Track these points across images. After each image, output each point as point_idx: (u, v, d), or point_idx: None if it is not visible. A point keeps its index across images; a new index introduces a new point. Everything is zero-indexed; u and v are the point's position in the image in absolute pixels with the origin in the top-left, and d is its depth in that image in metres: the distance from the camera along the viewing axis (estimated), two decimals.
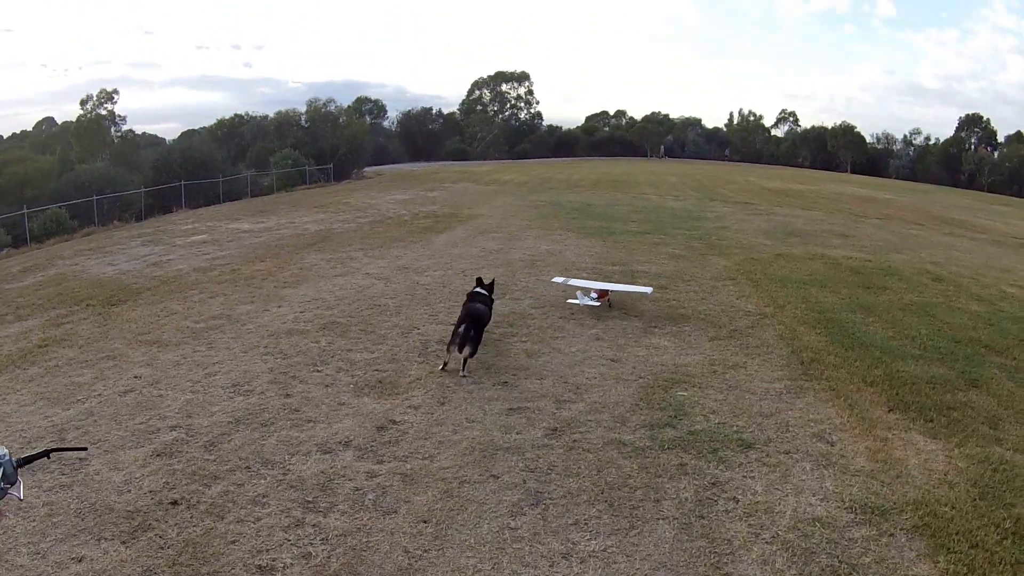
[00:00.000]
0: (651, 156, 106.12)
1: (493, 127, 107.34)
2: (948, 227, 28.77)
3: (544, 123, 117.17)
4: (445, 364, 8.24)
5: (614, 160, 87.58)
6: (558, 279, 12.11)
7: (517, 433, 6.51)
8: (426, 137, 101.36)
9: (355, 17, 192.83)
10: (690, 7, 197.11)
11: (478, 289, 9.12)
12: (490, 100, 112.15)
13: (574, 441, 6.34)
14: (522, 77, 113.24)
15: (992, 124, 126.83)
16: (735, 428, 6.67)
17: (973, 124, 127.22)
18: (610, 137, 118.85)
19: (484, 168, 60.37)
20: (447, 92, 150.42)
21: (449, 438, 6.40)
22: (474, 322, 8.21)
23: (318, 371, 8.18)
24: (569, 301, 10.95)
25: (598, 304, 10.74)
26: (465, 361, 8.04)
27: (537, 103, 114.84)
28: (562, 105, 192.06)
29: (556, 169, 58.65)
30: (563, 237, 19.09)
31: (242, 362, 8.51)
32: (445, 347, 8.30)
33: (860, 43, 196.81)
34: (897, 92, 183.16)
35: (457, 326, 8.17)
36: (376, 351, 8.93)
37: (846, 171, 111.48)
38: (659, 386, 7.79)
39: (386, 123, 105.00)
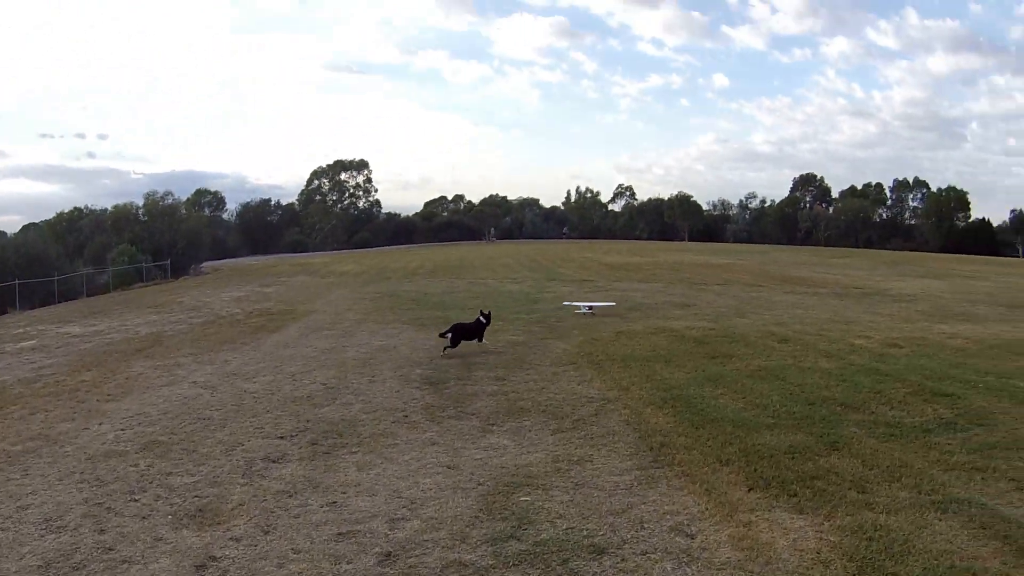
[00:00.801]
0: (484, 240, 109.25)
1: (331, 217, 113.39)
2: (789, 285, 30.88)
3: (383, 211, 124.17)
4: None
5: (453, 246, 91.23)
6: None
7: (347, 563, 5.96)
8: (265, 229, 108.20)
9: (197, 106, 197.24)
10: (527, 89, 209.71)
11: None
12: (329, 189, 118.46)
13: (410, 567, 5.85)
14: (361, 165, 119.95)
15: (826, 181, 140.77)
16: (585, 533, 6.40)
17: (807, 183, 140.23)
18: (449, 222, 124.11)
19: (323, 259, 63.55)
20: (287, 180, 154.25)
21: (273, 574, 5.80)
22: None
23: (135, 500, 7.58)
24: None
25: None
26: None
27: (375, 191, 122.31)
28: (401, 192, 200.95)
29: (394, 257, 61.55)
30: (398, 331, 18.92)
31: (57, 491, 7.90)
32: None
33: (695, 116, 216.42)
34: (732, 159, 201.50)
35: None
36: (197, 473, 8.38)
37: (684, 239, 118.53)
38: (500, 492, 7.45)
39: (225, 215, 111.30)
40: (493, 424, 9.97)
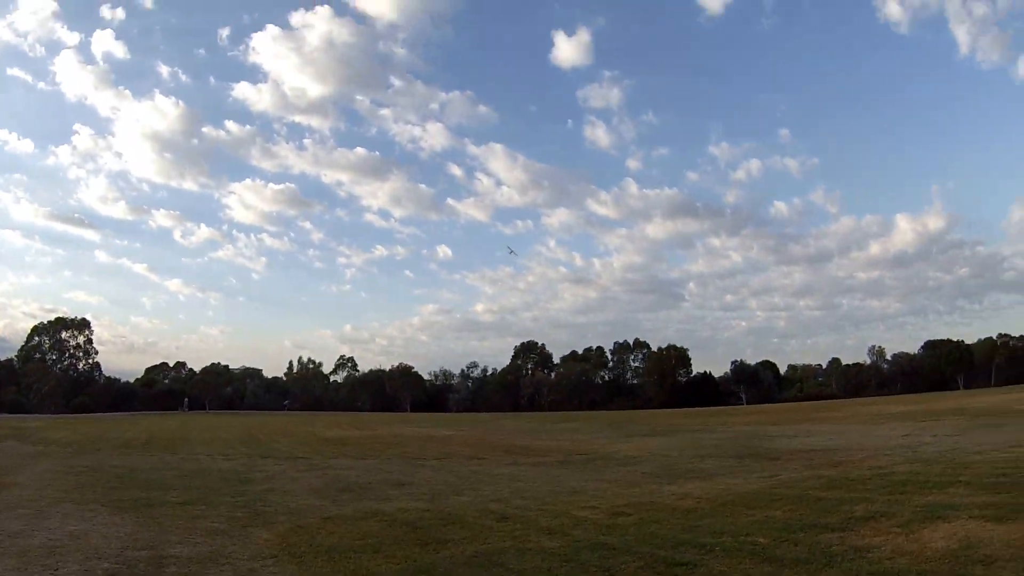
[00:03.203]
0: (180, 410, 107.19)
1: (50, 377, 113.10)
2: (511, 455, 30.79)
3: (105, 373, 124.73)
4: None
5: (171, 415, 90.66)
6: None
7: None
8: None
9: None
10: (255, 256, 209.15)
11: None
12: (49, 348, 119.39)
13: None
14: (82, 325, 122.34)
15: (547, 348, 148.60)
16: None
17: (529, 351, 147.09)
18: (169, 390, 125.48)
19: (38, 423, 62.73)
20: (6, 332, 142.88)
21: None
22: None
23: None
24: None
25: None
26: None
27: (96, 352, 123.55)
28: (125, 355, 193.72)
29: (111, 426, 60.36)
30: (95, 513, 16.74)
31: None
32: None
33: (419, 286, 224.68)
34: (455, 329, 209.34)
35: None
36: None
37: (407, 411, 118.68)
38: None
39: None
40: None
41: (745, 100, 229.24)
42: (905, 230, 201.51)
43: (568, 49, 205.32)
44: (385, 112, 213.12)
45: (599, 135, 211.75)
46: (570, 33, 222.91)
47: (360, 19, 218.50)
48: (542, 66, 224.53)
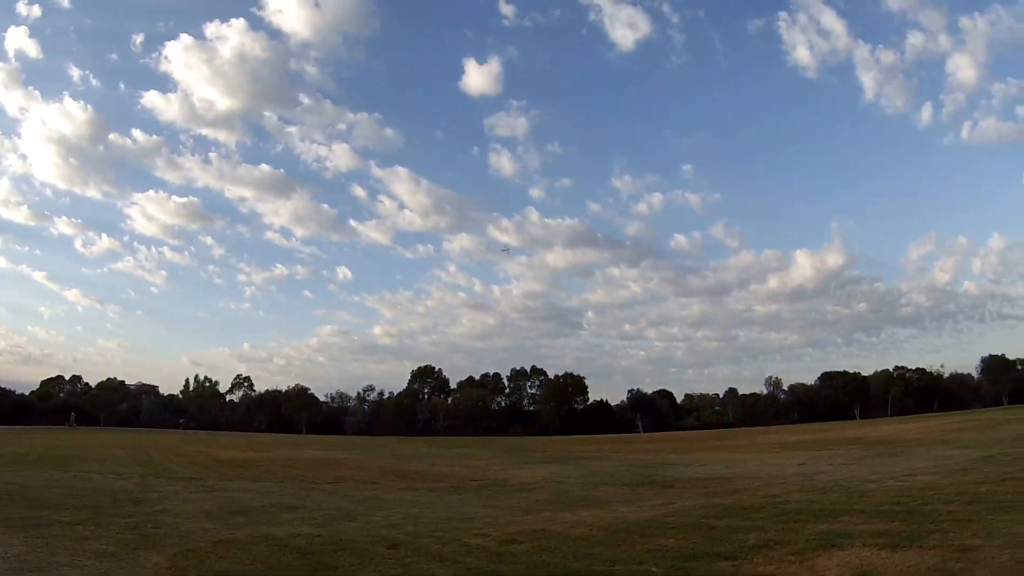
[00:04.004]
0: (66, 425, 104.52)
1: None
2: (405, 480, 30.42)
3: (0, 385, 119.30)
4: None
5: (68, 430, 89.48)
6: None
7: None
8: None
9: None
10: (155, 269, 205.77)
11: None
12: None
13: None
14: None
15: (444, 373, 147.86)
16: None
17: (426, 375, 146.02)
18: (65, 404, 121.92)
19: None
20: None
21: None
22: None
23: None
24: None
25: None
26: None
27: None
28: (22, 366, 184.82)
29: (2, 440, 58.06)
30: None
31: None
32: None
33: (318, 307, 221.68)
34: (353, 351, 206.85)
35: None
36: None
37: (302, 432, 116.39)
38: None
39: None
40: None
41: (651, 135, 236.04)
42: (804, 265, 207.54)
43: (478, 77, 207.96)
44: (292, 130, 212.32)
45: (504, 163, 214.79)
46: (481, 61, 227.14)
47: (274, 35, 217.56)
48: (451, 92, 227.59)
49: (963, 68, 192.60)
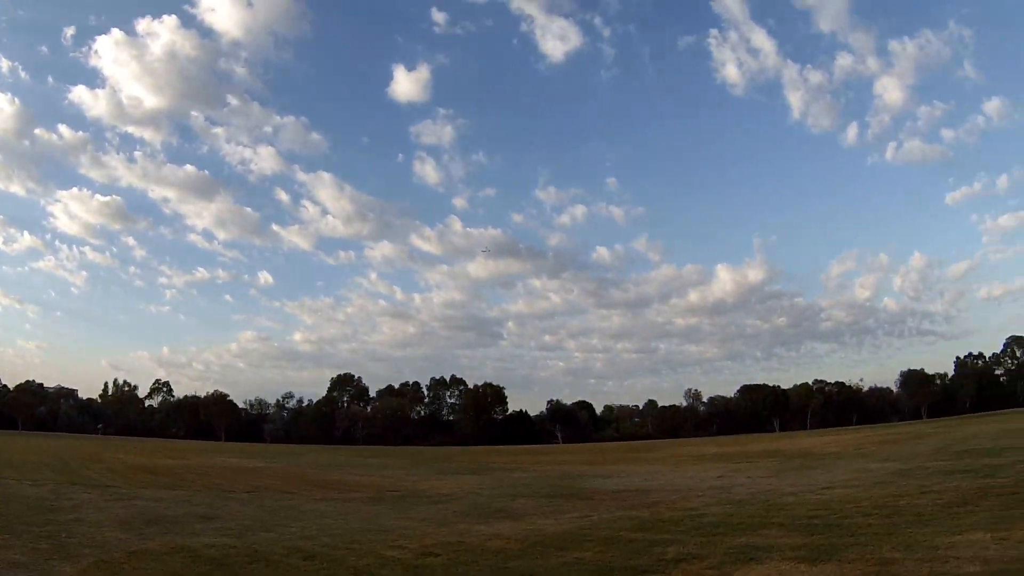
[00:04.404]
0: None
1: None
2: (322, 491, 30.10)
3: None
4: None
5: None
6: None
7: None
8: None
9: None
10: (76, 269, 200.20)
11: None
12: None
13: None
14: None
15: (364, 381, 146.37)
16: None
17: (345, 383, 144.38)
18: None
19: None
20: None
21: None
22: None
23: None
24: None
25: None
26: None
27: None
28: None
29: None
30: None
31: None
32: None
33: (238, 312, 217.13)
34: (273, 357, 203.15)
35: None
36: None
37: (221, 439, 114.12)
38: None
39: None
40: None
41: (577, 147, 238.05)
42: (725, 280, 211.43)
43: (406, 84, 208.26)
44: (218, 131, 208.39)
45: (428, 171, 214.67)
46: (410, 68, 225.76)
47: (205, 33, 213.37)
48: (379, 99, 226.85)
49: (890, 90, 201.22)
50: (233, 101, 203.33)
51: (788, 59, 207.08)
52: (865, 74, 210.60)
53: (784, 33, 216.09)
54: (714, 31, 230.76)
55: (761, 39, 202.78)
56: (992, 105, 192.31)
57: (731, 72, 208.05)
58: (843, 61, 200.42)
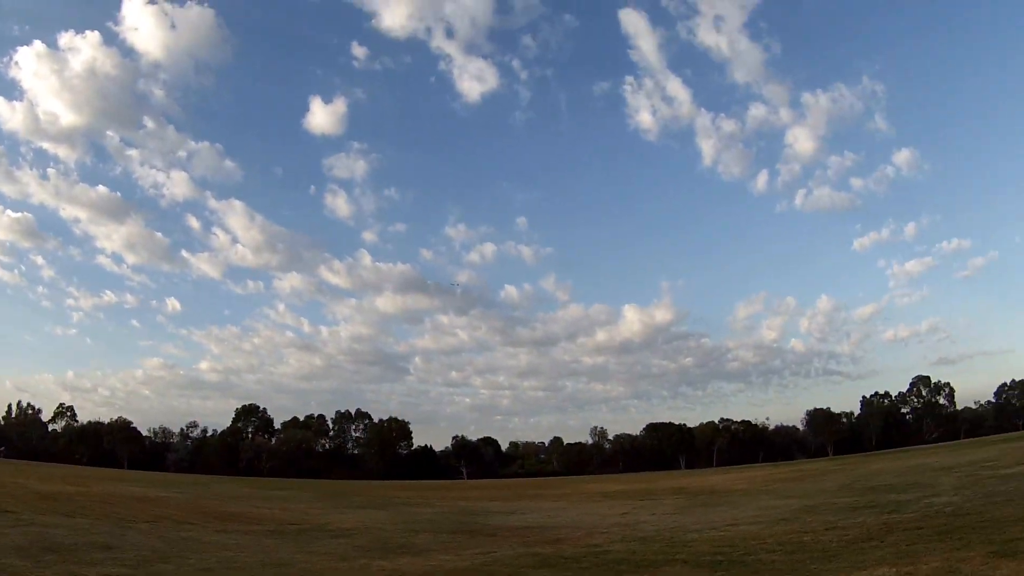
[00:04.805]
0: None
1: None
2: (223, 522, 29.83)
3: None
4: None
5: None
6: None
7: None
8: None
9: None
10: None
11: None
12: None
13: None
14: None
15: (269, 412, 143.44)
16: None
17: (250, 414, 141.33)
18: None
19: None
20: None
21: None
22: None
23: None
24: None
25: None
26: None
27: None
28: None
29: None
30: None
31: None
32: None
33: (145, 338, 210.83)
34: (179, 386, 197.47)
35: None
36: None
37: (124, 467, 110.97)
38: None
39: None
40: None
41: (488, 186, 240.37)
42: (632, 320, 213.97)
43: (322, 116, 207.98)
44: (133, 153, 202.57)
45: (340, 204, 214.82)
46: (327, 100, 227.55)
47: (127, 52, 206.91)
48: (295, 129, 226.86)
49: (801, 140, 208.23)
50: (149, 123, 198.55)
51: (702, 107, 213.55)
52: (777, 124, 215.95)
53: (699, 83, 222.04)
54: (630, 78, 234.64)
55: (676, 87, 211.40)
56: (902, 156, 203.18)
57: (645, 118, 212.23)
58: (756, 111, 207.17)
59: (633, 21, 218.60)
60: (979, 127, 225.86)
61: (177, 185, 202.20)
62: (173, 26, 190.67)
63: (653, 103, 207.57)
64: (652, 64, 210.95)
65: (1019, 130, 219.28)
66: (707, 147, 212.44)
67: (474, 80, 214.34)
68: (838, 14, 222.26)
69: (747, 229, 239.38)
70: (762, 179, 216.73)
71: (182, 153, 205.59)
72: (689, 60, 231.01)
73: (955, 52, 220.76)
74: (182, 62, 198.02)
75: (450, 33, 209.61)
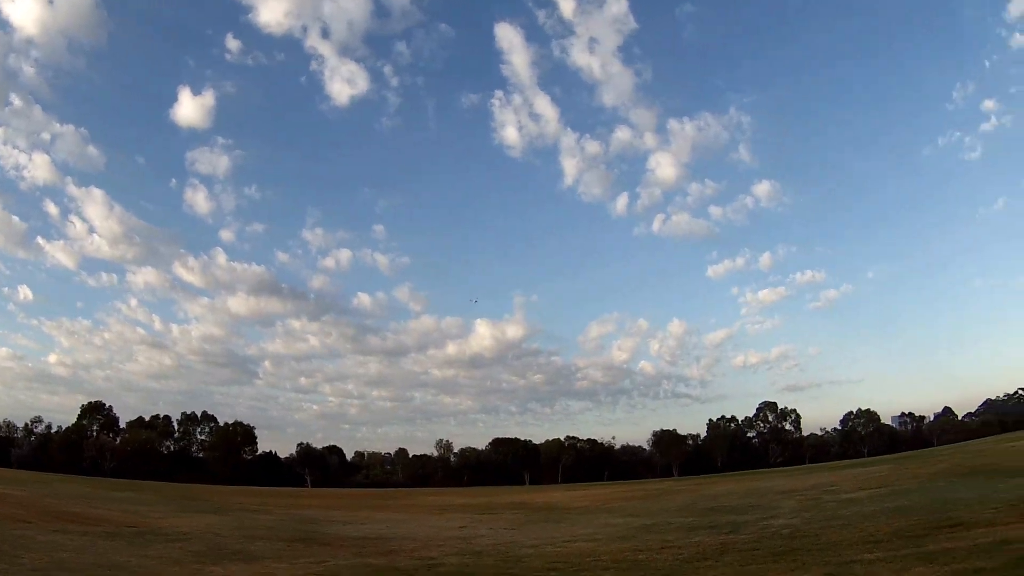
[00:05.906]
0: None
1: None
2: (61, 522, 29.06)
3: None
4: None
5: None
6: None
7: None
8: None
9: None
10: None
11: None
12: None
13: None
14: None
15: (115, 411, 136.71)
16: None
17: (96, 411, 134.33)
18: None
19: None
20: None
21: None
22: None
23: None
24: None
25: None
26: None
27: None
28: None
29: None
30: None
31: None
32: None
33: None
34: (26, 378, 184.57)
35: None
36: None
37: None
38: None
39: None
40: None
41: (349, 191, 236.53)
42: (484, 335, 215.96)
43: (190, 107, 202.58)
44: None
45: (199, 200, 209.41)
46: (196, 92, 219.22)
47: (1, 24, 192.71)
48: (161, 119, 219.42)
49: (664, 165, 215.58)
50: (16, 101, 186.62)
51: (568, 127, 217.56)
52: (641, 148, 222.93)
53: (568, 102, 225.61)
54: (499, 92, 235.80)
55: (544, 105, 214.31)
56: (762, 188, 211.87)
57: (510, 134, 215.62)
58: (621, 134, 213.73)
59: (508, 36, 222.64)
60: (841, 164, 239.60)
61: (38, 168, 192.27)
62: (51, 2, 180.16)
63: (520, 119, 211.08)
64: (523, 80, 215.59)
65: (878, 173, 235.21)
66: (570, 166, 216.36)
67: (345, 83, 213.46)
68: (713, 46, 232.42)
69: (604, 250, 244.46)
70: (622, 202, 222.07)
71: (46, 135, 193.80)
72: (560, 79, 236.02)
73: (823, 93, 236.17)
74: (56, 41, 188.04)
75: (326, 33, 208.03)
